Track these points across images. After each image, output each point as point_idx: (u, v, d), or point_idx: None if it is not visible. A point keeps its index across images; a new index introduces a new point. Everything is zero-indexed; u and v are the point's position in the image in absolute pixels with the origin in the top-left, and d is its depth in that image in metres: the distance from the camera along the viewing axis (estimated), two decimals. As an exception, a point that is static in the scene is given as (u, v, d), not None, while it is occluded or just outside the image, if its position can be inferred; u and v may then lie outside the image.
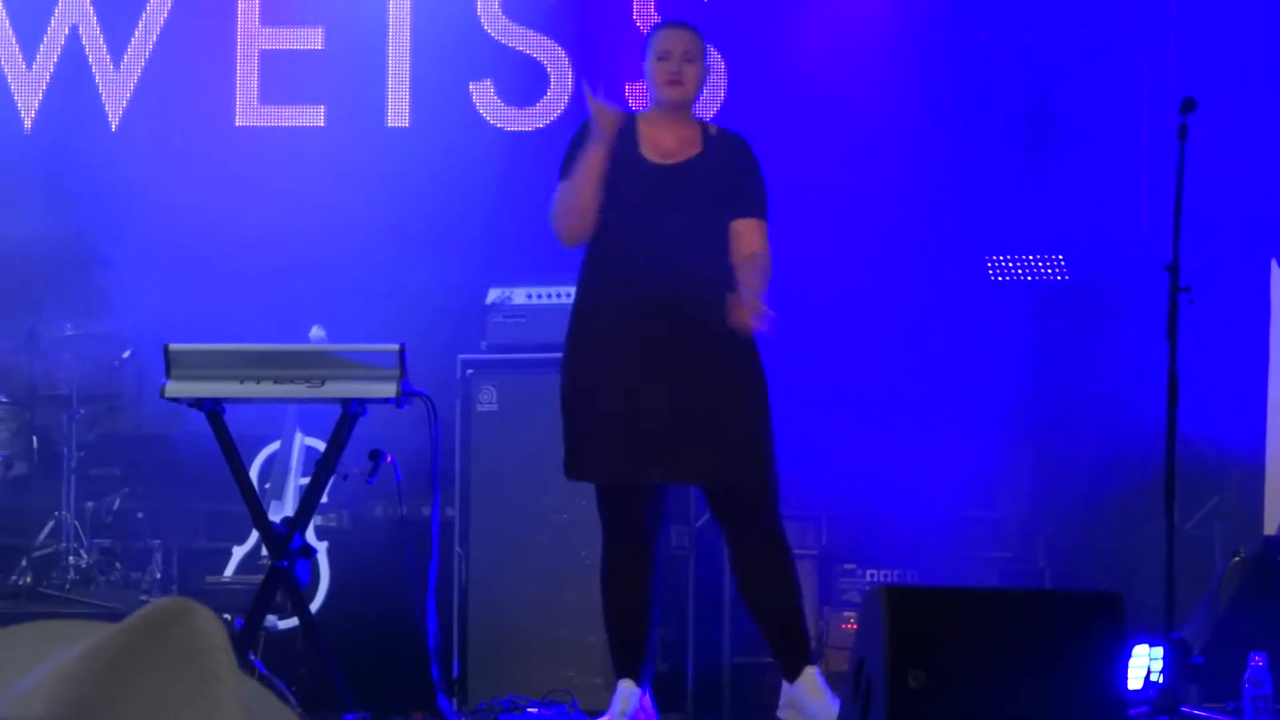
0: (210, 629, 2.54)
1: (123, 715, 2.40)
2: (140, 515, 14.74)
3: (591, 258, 10.93)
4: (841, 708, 9.86)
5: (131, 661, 2.45)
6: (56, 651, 2.63)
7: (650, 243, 10.69)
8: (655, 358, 10.64)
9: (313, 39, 15.18)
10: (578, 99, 14.81)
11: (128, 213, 14.80)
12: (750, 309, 10.24)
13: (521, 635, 12.71)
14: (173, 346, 12.46)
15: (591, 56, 14.90)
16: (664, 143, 10.86)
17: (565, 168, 10.95)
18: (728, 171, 10.81)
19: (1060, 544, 13.16)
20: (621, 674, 10.91)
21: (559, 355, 12.32)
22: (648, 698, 10.86)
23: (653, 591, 10.89)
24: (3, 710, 2.51)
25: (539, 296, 13.12)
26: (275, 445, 14.02)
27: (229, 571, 14.20)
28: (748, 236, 10.70)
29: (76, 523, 14.58)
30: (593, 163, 10.69)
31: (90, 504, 14.68)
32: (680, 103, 10.90)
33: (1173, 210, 10.89)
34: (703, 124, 11.02)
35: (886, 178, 13.27)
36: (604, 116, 10.58)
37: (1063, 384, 13.78)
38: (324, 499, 13.18)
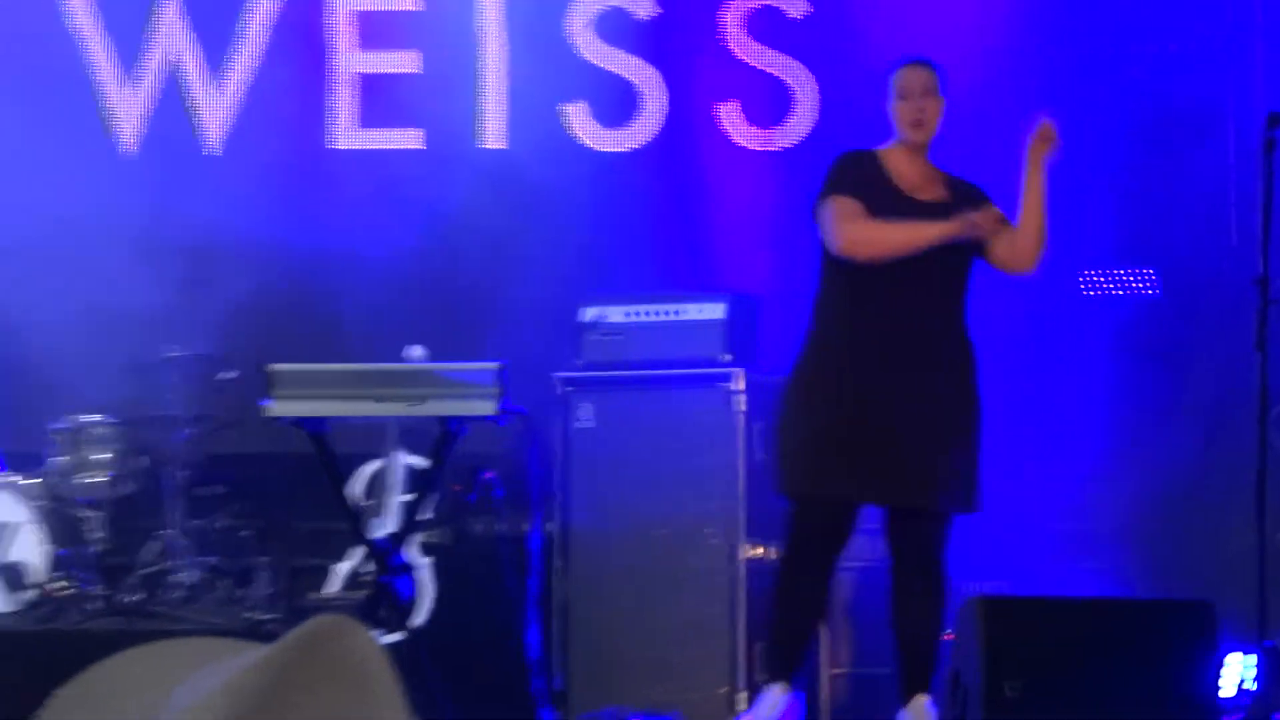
0: (367, 646, 2.57)
1: None
2: (245, 533, 14.76)
3: (839, 288, 11.08)
4: (939, 716, 9.87)
5: (295, 677, 2.49)
6: (212, 666, 2.66)
7: (903, 275, 10.87)
8: (892, 385, 10.88)
9: (410, 63, 15.20)
10: (671, 120, 14.85)
11: (227, 235, 14.81)
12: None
13: (623, 648, 12.74)
14: (274, 367, 12.50)
15: (682, 77, 14.88)
16: (909, 176, 11.12)
17: (846, 184, 11.05)
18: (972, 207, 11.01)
19: (1154, 554, 13.13)
20: (775, 677, 11.06)
21: (656, 372, 12.45)
22: (799, 702, 11.00)
23: (824, 604, 11.13)
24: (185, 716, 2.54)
25: (635, 315, 13.12)
26: (378, 463, 14.02)
27: (333, 588, 14.23)
28: (1007, 239, 11.03)
29: (184, 540, 14.60)
30: (930, 239, 10.83)
31: (196, 522, 14.71)
32: (923, 143, 11.13)
33: (1260, 223, 10.90)
34: (938, 170, 11.26)
35: (990, 161, 13.30)
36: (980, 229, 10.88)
37: (1155, 395, 13.74)
38: (427, 515, 13.26)
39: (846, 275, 10.96)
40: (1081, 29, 14.34)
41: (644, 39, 15.06)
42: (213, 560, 14.62)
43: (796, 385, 11.14)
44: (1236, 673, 11.13)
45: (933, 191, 11.10)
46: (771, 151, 14.39)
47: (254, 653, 2.60)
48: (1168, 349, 13.83)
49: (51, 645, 13.60)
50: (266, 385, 12.53)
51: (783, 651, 11.14)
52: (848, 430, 10.88)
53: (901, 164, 11.10)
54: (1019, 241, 10.90)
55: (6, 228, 15.04)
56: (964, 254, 10.97)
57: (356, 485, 13.65)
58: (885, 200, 10.96)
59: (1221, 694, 9.88)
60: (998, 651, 8.93)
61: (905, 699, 10.97)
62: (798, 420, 11.12)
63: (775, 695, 10.99)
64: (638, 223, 14.70)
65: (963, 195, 11.07)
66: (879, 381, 10.88)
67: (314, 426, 12.47)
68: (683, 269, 14.06)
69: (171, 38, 15.39)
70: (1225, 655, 10.09)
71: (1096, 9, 14.34)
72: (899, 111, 11.06)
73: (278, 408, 12.40)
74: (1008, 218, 10.94)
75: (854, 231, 10.89)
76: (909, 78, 11.16)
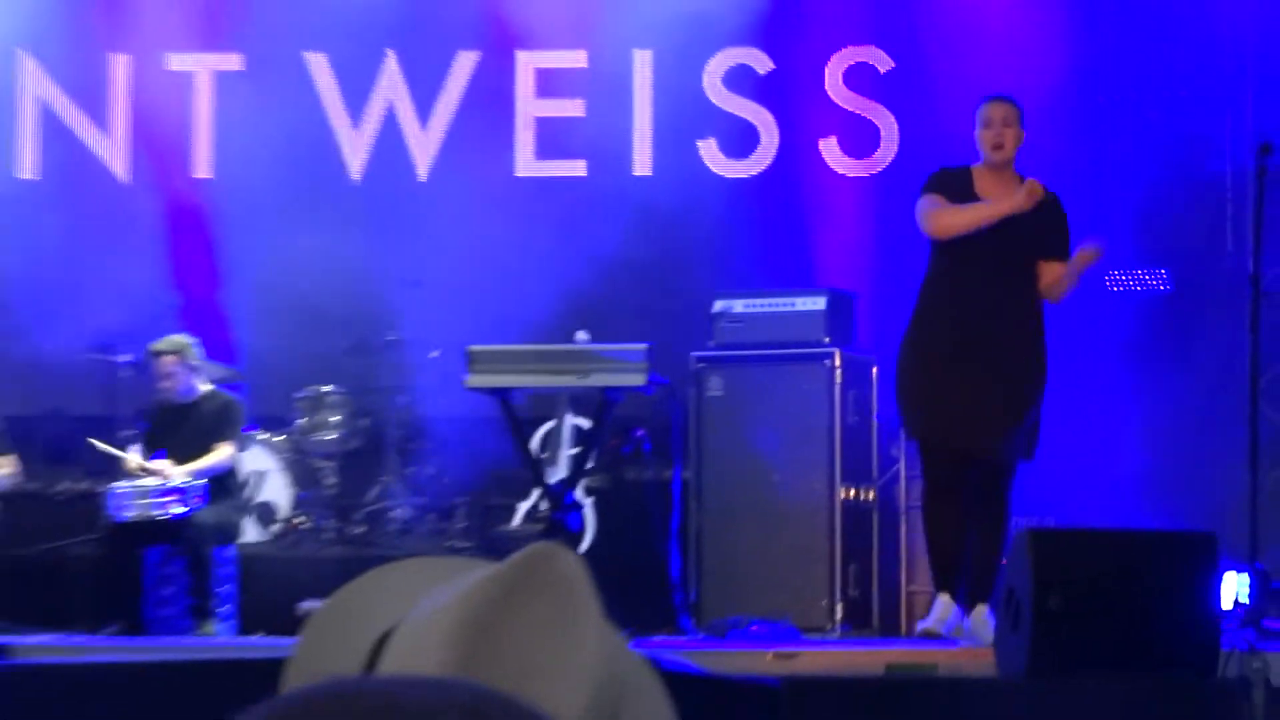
0: (575, 570, 2.57)
1: (507, 639, 2.42)
2: (445, 479, 14.80)
3: (941, 269, 11.23)
4: (996, 623, 9.89)
5: (517, 590, 2.49)
6: (451, 580, 2.65)
7: (986, 267, 11.09)
8: (984, 354, 11.09)
9: (576, 108, 15.24)
10: (782, 152, 14.86)
11: (432, 243, 14.89)
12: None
13: (744, 569, 12.77)
14: (473, 348, 12.61)
15: (792, 118, 14.91)
16: (991, 188, 11.21)
17: (936, 186, 11.31)
18: (1045, 224, 11.17)
19: (1165, 493, 13.10)
20: (941, 589, 11.20)
21: (771, 352, 12.53)
22: (946, 600, 11.09)
23: (964, 526, 11.11)
24: (419, 623, 2.51)
25: (754, 306, 13.18)
26: (551, 423, 14.10)
27: (515, 522, 14.30)
28: (1051, 274, 11.16)
29: (398, 484, 14.69)
30: (989, 215, 11.07)
31: (408, 470, 14.80)
32: (1003, 162, 11.23)
33: (1251, 231, 10.98)
34: (1020, 177, 11.24)
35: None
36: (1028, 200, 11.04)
37: (1167, 369, 13.72)
38: (589, 465, 13.33)
39: (945, 264, 11.14)
40: (1111, 79, 14.29)
41: (762, 88, 15.07)
42: (421, 500, 14.70)
43: (908, 352, 11.34)
44: (1233, 589, 11.11)
45: (1019, 199, 11.19)
46: (861, 177, 14.41)
47: (483, 569, 2.61)
48: (1177, 332, 13.80)
49: (293, 568, 13.73)
50: (467, 363, 12.65)
51: (941, 567, 11.28)
52: (943, 390, 11.10)
53: (985, 178, 11.24)
54: (1052, 291, 11.20)
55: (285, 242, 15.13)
56: (1030, 254, 11.11)
57: (535, 441, 13.72)
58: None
59: (1221, 606, 9.87)
60: (1044, 572, 8.91)
61: (969, 608, 11.06)
62: (910, 381, 11.36)
63: (945, 602, 11.10)
64: (756, 233, 14.72)
65: (1041, 202, 11.17)
66: (967, 352, 11.05)
67: (503, 395, 12.62)
68: (791, 270, 14.07)
69: (392, 87, 15.45)
70: (1224, 575, 10.07)
71: (1122, 64, 14.29)
72: (983, 138, 11.21)
73: (475, 380, 12.59)
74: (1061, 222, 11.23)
75: (937, 216, 11.16)
76: (991, 110, 11.31)
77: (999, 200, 11.11)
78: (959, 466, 11.17)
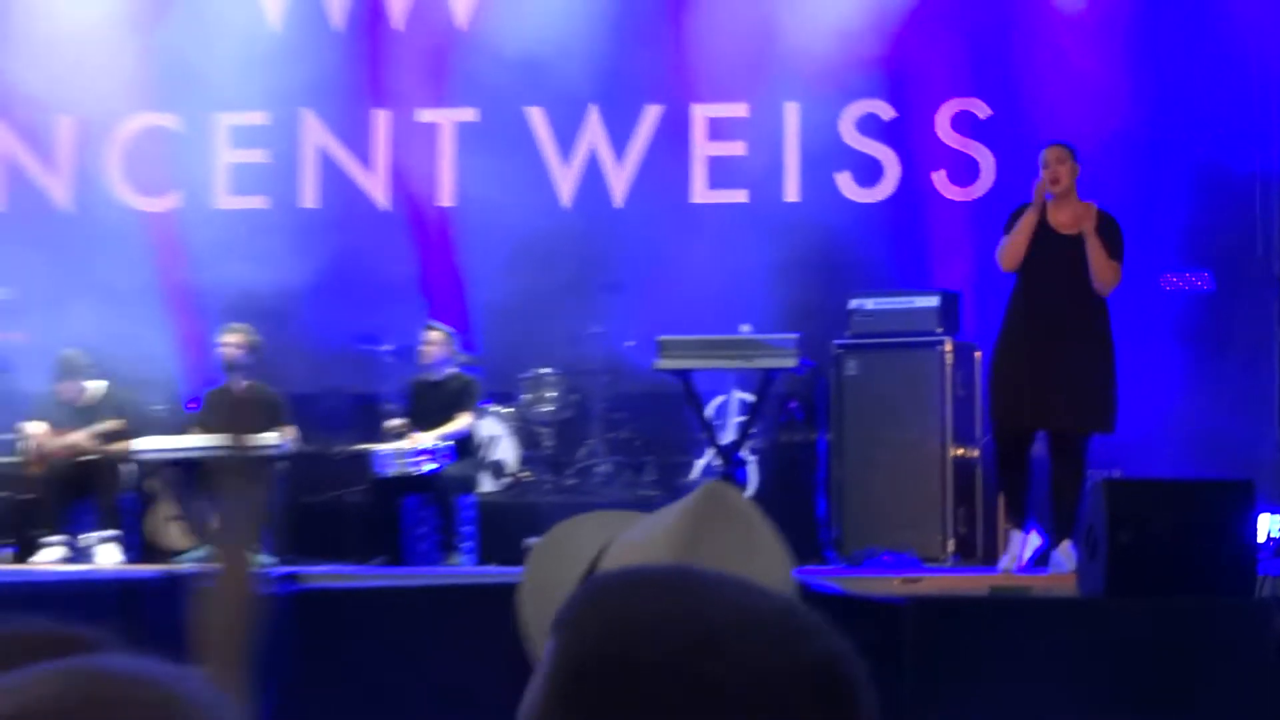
0: (743, 499, 2.61)
1: (708, 555, 2.45)
2: (637, 442, 14.85)
3: (1017, 285, 11.48)
4: (1078, 555, 9.95)
5: (707, 519, 2.53)
6: (626, 523, 2.69)
7: (1054, 277, 11.28)
8: (1055, 345, 11.23)
9: (739, 149, 15.27)
10: (903, 182, 14.87)
11: (626, 255, 15.00)
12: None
13: (877, 510, 12.77)
14: (662, 337, 12.73)
15: (910, 154, 14.91)
16: (1058, 218, 11.37)
17: (1008, 226, 11.53)
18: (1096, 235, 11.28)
19: (1211, 449, 13.03)
20: (1016, 526, 11.48)
21: (895, 340, 12.65)
22: (1033, 534, 11.38)
23: (1027, 478, 11.45)
24: (631, 543, 2.56)
25: (882, 304, 13.20)
26: (722, 397, 14.15)
27: (693, 475, 14.36)
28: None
29: (600, 446, 14.77)
30: (1024, 227, 11.36)
31: (609, 435, 14.86)
32: (1061, 193, 11.35)
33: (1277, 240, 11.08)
34: (1086, 204, 11.44)
35: (1106, 200, 13.25)
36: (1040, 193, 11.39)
37: (1208, 354, 13.67)
38: (752, 430, 13.39)
39: (1019, 280, 11.27)
40: (1164, 118, 14.22)
41: (886, 131, 15.03)
42: (618, 458, 14.75)
43: (996, 347, 11.56)
44: (1266, 527, 11.11)
45: (1070, 223, 11.33)
46: (965, 201, 14.41)
47: (666, 508, 2.65)
48: (1218, 325, 13.74)
49: (519, 512, 13.76)
50: (657, 350, 12.75)
51: (1014, 509, 11.49)
52: (1021, 378, 11.20)
53: (1053, 209, 11.36)
54: (1095, 279, 11.25)
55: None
56: (1083, 265, 11.22)
57: (709, 410, 13.76)
58: (1037, 232, 11.24)
59: (1257, 540, 9.89)
60: (1116, 513, 8.96)
61: (1055, 543, 11.15)
62: (994, 374, 11.64)
63: (1019, 536, 11.25)
64: (882, 246, 14.71)
65: (1102, 221, 11.33)
66: (1041, 345, 11.18)
67: (684, 375, 12.72)
68: (910, 275, 14.06)
69: (594, 133, 15.53)
70: (1259, 515, 10.07)
71: (1176, 106, 14.21)
72: (1043, 177, 11.38)
73: (663, 363, 12.73)
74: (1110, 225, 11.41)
75: (1000, 255, 11.49)
76: (1046, 154, 11.50)
77: (1062, 225, 11.35)
78: (1020, 442, 11.44)
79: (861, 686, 1.67)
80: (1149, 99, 14.32)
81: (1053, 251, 11.28)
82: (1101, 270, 11.20)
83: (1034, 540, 11.37)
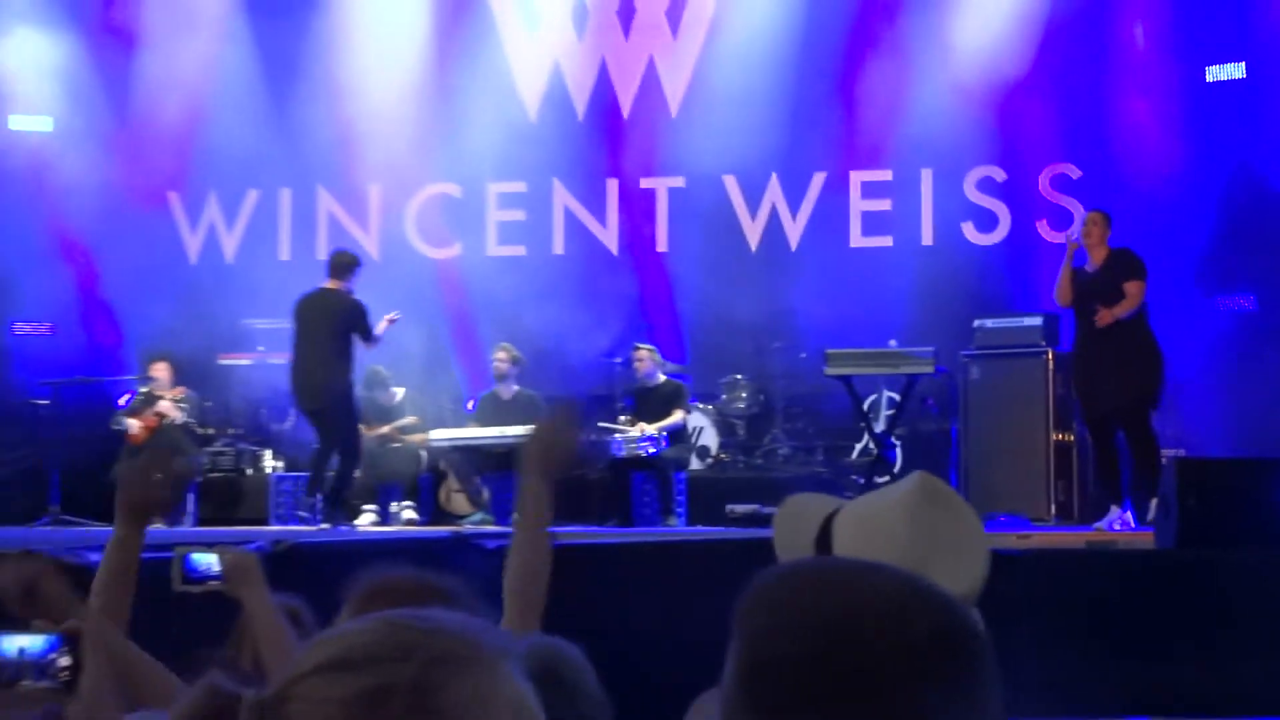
0: (950, 489, 2.59)
1: (928, 524, 2.42)
2: (810, 430, 14.81)
3: (1076, 311, 11.46)
4: (1155, 515, 9.83)
5: (928, 495, 2.51)
6: (868, 497, 2.69)
7: (1090, 300, 11.23)
8: (1097, 346, 11.19)
9: (885, 205, 15.27)
10: (1014, 227, 14.76)
11: (799, 285, 14.98)
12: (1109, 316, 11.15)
13: (996, 483, 12.53)
14: (830, 350, 12.71)
15: (1021, 206, 14.79)
16: (1089, 262, 11.37)
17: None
18: (1117, 271, 11.27)
19: (1255, 436, 12.81)
20: (1112, 502, 11.25)
21: (1008, 350, 12.54)
22: (1128, 514, 11.10)
23: (1113, 459, 11.29)
24: (859, 512, 2.56)
25: (999, 322, 13.09)
26: (874, 395, 14.11)
27: (853, 456, 14.35)
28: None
29: (781, 434, 14.76)
30: (1062, 273, 11.44)
31: (788, 425, 14.85)
32: (1091, 245, 11.39)
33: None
34: (1110, 249, 11.41)
35: (1168, 239, 13.09)
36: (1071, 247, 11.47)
37: (1251, 366, 13.40)
38: (899, 421, 13.34)
39: (1074, 305, 11.34)
40: (1215, 157, 14.00)
41: (999, 189, 14.96)
42: (794, 443, 14.74)
43: (1071, 359, 11.70)
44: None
45: (1096, 263, 11.37)
46: (1061, 244, 14.26)
47: (891, 488, 2.63)
48: (1260, 340, 13.51)
49: (720, 485, 13.78)
50: (825, 360, 12.73)
51: (1108, 486, 11.32)
52: (1083, 379, 11.35)
53: (1088, 256, 11.36)
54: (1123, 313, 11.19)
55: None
56: (1110, 289, 11.22)
57: (865, 405, 13.72)
58: (1077, 275, 11.39)
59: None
60: (1185, 481, 8.86)
61: (1136, 506, 11.09)
62: (1072, 379, 11.67)
63: (1115, 510, 11.12)
64: (997, 278, 14.62)
65: (1113, 257, 11.32)
66: (1092, 353, 11.23)
67: (846, 379, 12.70)
68: (1020, 299, 13.96)
69: (774, 195, 15.55)
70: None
71: (1223, 144, 13.98)
72: (1079, 231, 11.57)
73: (831, 369, 12.70)
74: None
75: (1055, 295, 11.61)
76: (1086, 216, 11.72)
77: (1093, 265, 11.41)
78: (1098, 430, 11.37)
79: (983, 646, 1.61)
80: (1201, 146, 14.10)
81: (1086, 289, 11.34)
82: (1124, 311, 11.18)
83: (1128, 518, 11.22)
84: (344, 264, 12.28)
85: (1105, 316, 11.12)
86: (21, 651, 3.21)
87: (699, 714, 2.66)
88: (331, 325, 11.97)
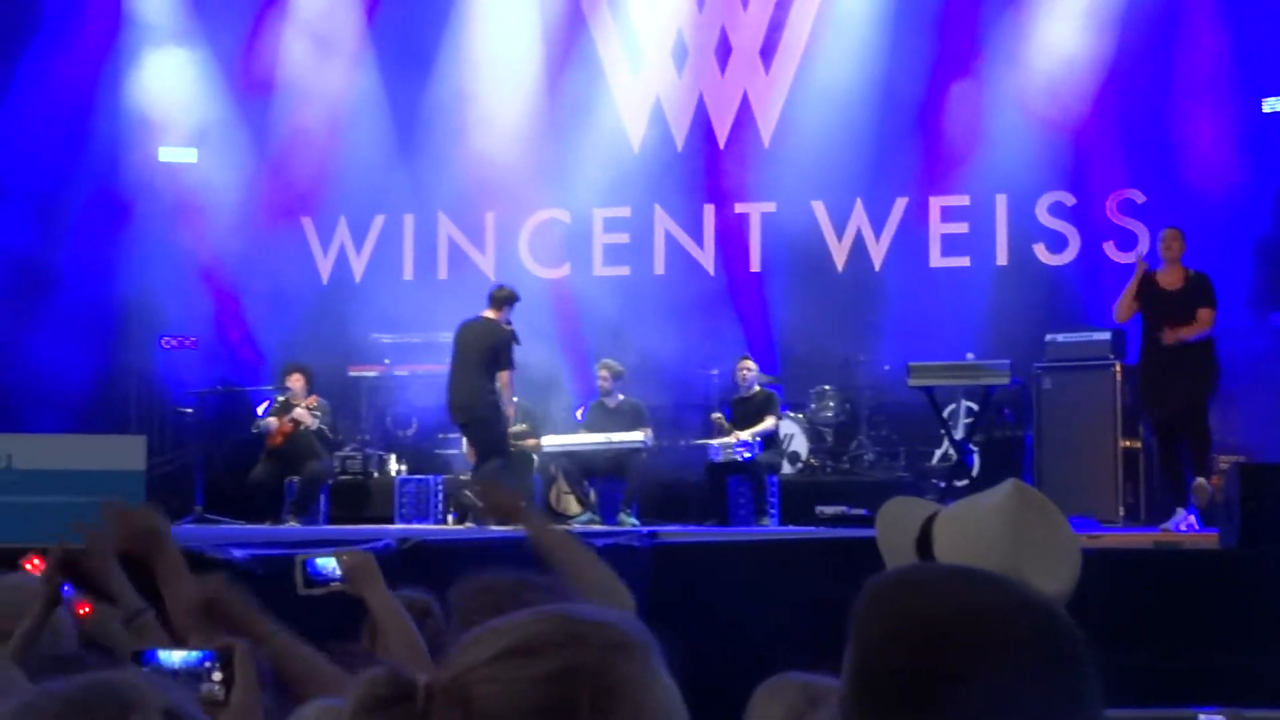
0: (1043, 496, 2.60)
1: (1026, 527, 2.44)
2: (892, 436, 14.68)
3: (1144, 325, 11.44)
4: (1222, 517, 9.72)
5: (1025, 501, 2.51)
6: (965, 502, 2.69)
7: (1162, 315, 11.19)
8: (1164, 357, 11.15)
9: (962, 228, 15.17)
10: (1083, 249, 14.64)
11: (883, 300, 14.94)
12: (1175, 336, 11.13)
13: (1068, 486, 12.09)
14: (912, 364, 12.65)
15: (1090, 230, 14.66)
16: (1165, 279, 11.33)
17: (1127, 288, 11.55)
18: (1193, 295, 11.21)
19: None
20: (1178, 504, 11.18)
21: (1080, 363, 12.41)
22: (1192, 516, 11.03)
23: (1177, 462, 11.30)
24: (960, 515, 2.55)
25: (1069, 337, 12.98)
26: (953, 404, 14.03)
27: (933, 461, 14.26)
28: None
29: (866, 440, 14.67)
30: (1129, 289, 11.44)
31: (873, 432, 14.76)
32: (1168, 261, 11.37)
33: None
34: (1185, 269, 11.34)
35: (1227, 259, 12.92)
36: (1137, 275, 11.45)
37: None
38: (976, 429, 13.24)
39: (1142, 319, 11.35)
40: (1269, 183, 13.86)
41: (1068, 213, 14.84)
42: (878, 448, 14.63)
43: (1137, 371, 11.53)
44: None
45: (1174, 282, 11.26)
46: (1128, 264, 14.09)
47: (986, 494, 2.63)
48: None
49: (809, 488, 13.73)
50: (908, 372, 12.66)
51: (1173, 489, 11.24)
52: (1148, 389, 11.29)
53: (1163, 273, 11.36)
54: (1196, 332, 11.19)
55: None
56: (1183, 314, 11.16)
57: (945, 413, 13.66)
58: (1148, 290, 11.29)
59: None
60: (1245, 485, 8.77)
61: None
62: (1138, 388, 11.56)
63: (1180, 512, 11.01)
64: (1068, 296, 14.51)
65: (1191, 281, 11.19)
66: (1158, 366, 11.14)
67: (928, 390, 12.63)
68: (1089, 316, 13.82)
69: (859, 218, 15.49)
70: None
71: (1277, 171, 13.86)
72: (1159, 247, 11.51)
73: (913, 381, 12.67)
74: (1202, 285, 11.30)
75: (1114, 311, 11.69)
76: (1163, 233, 11.54)
77: (1168, 283, 11.36)
78: (1161, 431, 11.37)
79: (1081, 646, 1.63)
80: (1257, 172, 13.95)
81: (1161, 305, 11.26)
82: (1191, 334, 11.14)
83: (1192, 520, 11.09)
84: (502, 297, 12.66)
85: (1171, 335, 11.03)
86: (179, 665, 3.26)
87: (768, 697, 2.66)
88: (483, 350, 12.36)
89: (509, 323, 12.64)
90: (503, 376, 12.46)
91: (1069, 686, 1.58)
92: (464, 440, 13.59)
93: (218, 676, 3.23)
